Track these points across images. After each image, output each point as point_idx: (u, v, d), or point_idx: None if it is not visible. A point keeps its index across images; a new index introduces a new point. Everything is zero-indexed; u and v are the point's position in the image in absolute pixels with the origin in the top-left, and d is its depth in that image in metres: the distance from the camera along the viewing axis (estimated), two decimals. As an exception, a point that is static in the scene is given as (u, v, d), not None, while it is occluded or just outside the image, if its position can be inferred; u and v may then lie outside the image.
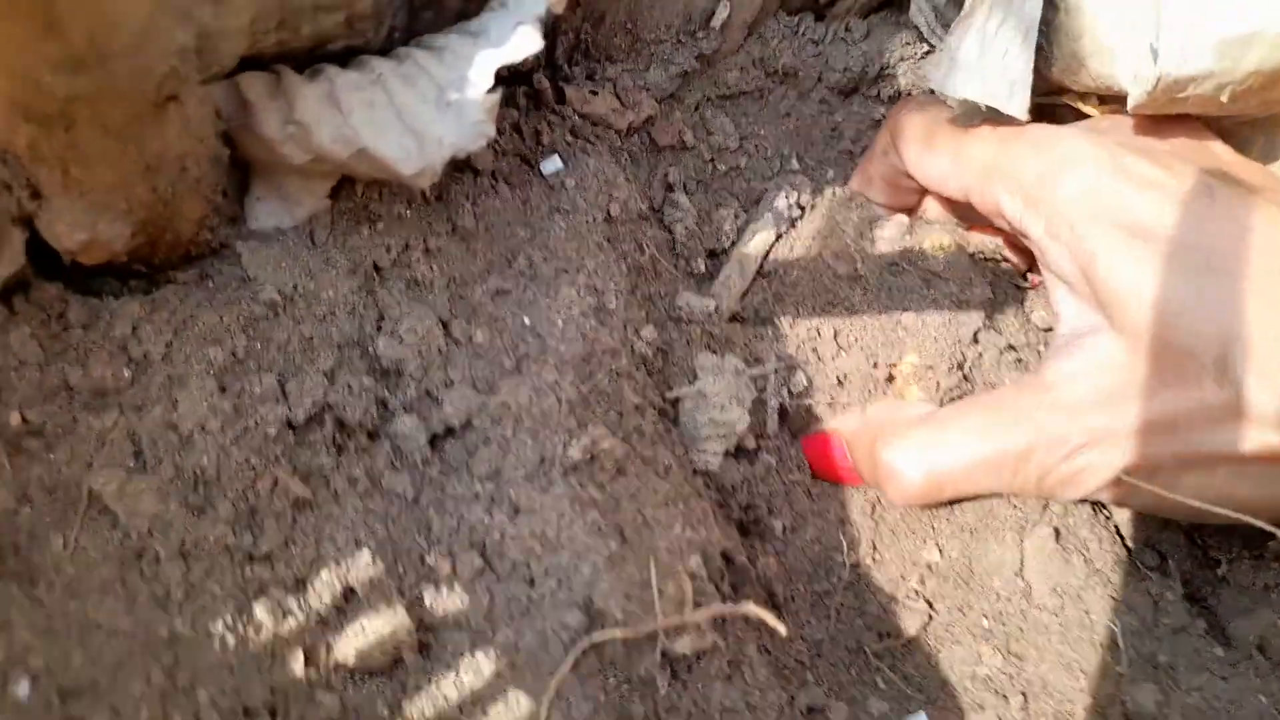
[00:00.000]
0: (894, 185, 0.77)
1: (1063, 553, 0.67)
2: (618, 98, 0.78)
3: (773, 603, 0.68)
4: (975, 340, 0.72)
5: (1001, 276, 0.74)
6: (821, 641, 0.68)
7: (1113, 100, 0.67)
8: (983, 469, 0.63)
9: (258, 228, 0.60)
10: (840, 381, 0.73)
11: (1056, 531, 0.67)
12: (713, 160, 0.84)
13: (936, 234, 0.74)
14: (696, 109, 0.84)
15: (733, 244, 0.80)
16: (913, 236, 0.75)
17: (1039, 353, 0.72)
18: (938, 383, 0.70)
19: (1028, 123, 0.65)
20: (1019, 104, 0.64)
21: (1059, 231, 0.60)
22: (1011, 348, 0.72)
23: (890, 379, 0.73)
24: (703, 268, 0.79)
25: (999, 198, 0.65)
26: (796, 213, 0.80)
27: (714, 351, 0.72)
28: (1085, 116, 0.69)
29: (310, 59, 0.60)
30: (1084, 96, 0.69)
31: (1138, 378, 0.57)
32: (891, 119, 0.76)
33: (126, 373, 0.53)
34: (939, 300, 0.72)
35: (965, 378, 0.71)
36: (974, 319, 0.71)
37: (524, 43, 0.58)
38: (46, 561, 0.49)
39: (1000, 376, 0.71)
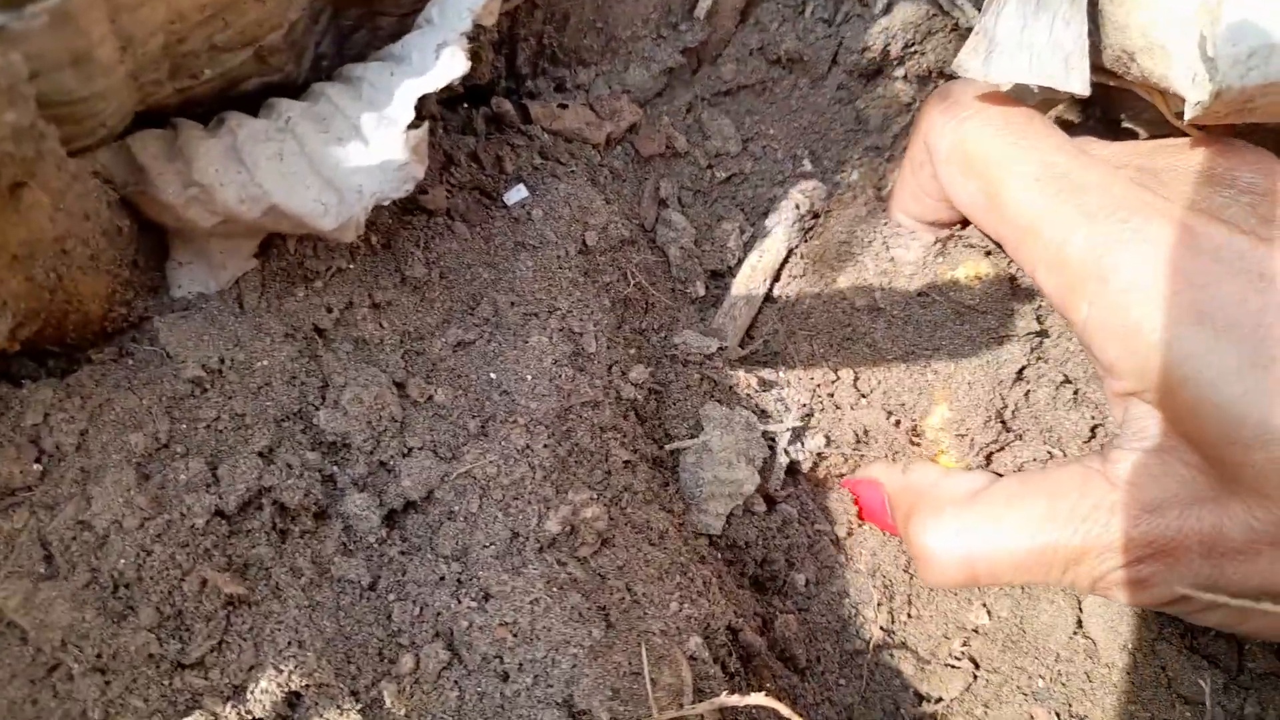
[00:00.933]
0: (936, 200, 0.70)
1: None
2: (591, 108, 0.76)
3: (794, 668, 0.66)
4: (1020, 378, 0.67)
5: None
6: (853, 705, 0.66)
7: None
8: (1028, 564, 0.58)
9: (181, 295, 0.60)
10: (859, 438, 0.69)
11: None
12: (711, 167, 0.81)
13: (973, 259, 0.69)
14: (689, 111, 0.81)
15: (739, 262, 0.76)
16: (944, 260, 0.70)
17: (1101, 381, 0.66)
18: (972, 439, 0.67)
19: (1084, 130, 0.60)
20: (1079, 79, 0.60)
21: (1107, 320, 0.54)
22: (1068, 380, 0.67)
23: (915, 440, 0.68)
24: (703, 291, 0.77)
25: (1035, 269, 0.59)
26: (810, 223, 0.76)
27: (719, 400, 0.69)
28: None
29: (223, 103, 0.59)
30: (1167, 96, 0.62)
31: (1216, 492, 0.52)
32: (923, 119, 0.69)
33: (37, 467, 0.53)
34: (974, 337, 0.68)
35: (1006, 427, 0.67)
36: (1017, 355, 0.67)
37: (448, 66, 0.57)
38: (-52, 685, 0.48)
39: (1057, 418, 0.66)
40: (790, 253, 0.76)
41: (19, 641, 0.51)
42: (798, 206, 0.77)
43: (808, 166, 0.81)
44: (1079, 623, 0.65)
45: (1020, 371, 0.67)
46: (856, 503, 0.71)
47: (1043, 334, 0.68)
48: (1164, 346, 0.51)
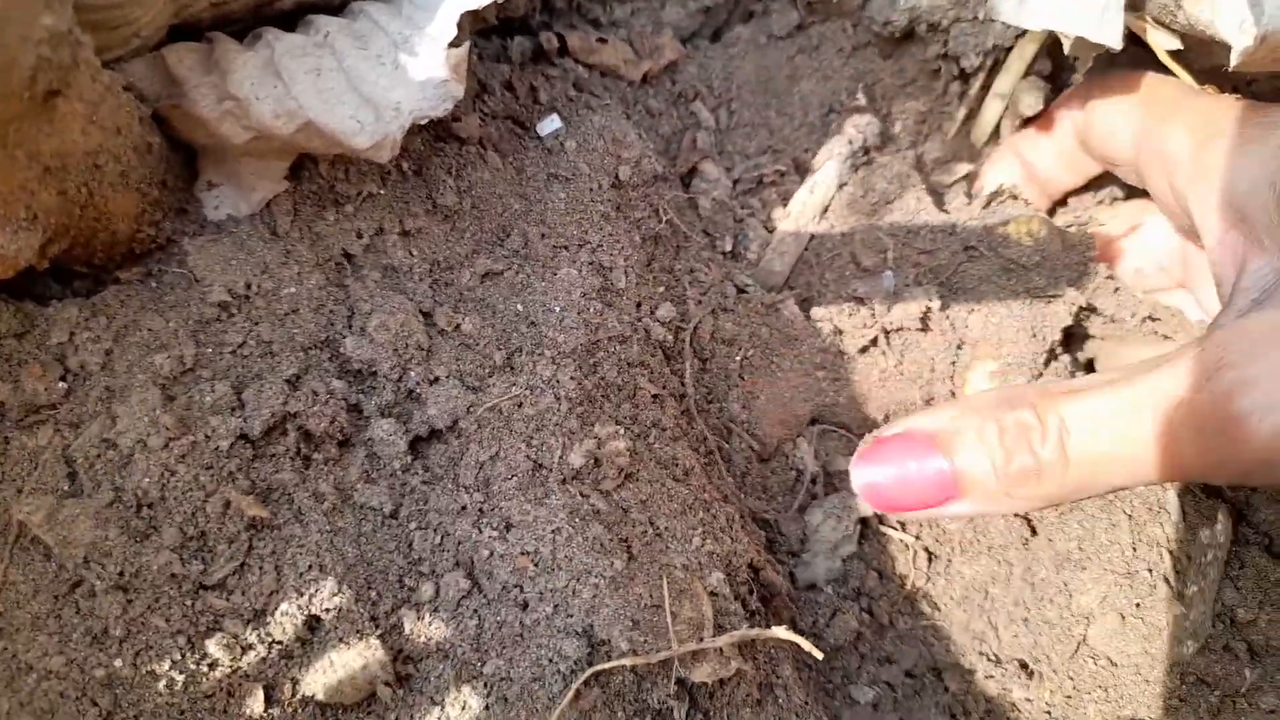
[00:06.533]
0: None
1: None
2: (630, 44, 0.71)
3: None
4: (1069, 338, 0.63)
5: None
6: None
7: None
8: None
9: (211, 217, 0.56)
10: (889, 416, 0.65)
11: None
12: (753, 109, 0.75)
13: (1024, 215, 0.65)
14: (731, 49, 0.76)
15: (777, 207, 0.72)
16: (995, 214, 0.65)
17: None
18: None
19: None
20: (1112, 31, 0.56)
21: None
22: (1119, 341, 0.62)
23: (955, 394, 0.64)
24: (730, 245, 0.71)
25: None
26: (863, 159, 0.72)
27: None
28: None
29: (258, 21, 0.55)
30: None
31: None
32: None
33: (62, 385, 0.51)
34: (1021, 294, 0.64)
35: None
36: (1063, 315, 0.63)
37: (492, -16, 0.52)
38: (-29, 597, 0.47)
39: None
40: (841, 187, 0.72)
41: (42, 557, 0.49)
42: (850, 142, 0.72)
43: (861, 101, 0.74)
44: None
45: (1067, 332, 0.63)
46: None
47: (1091, 309, 0.64)
48: None
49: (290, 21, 0.58)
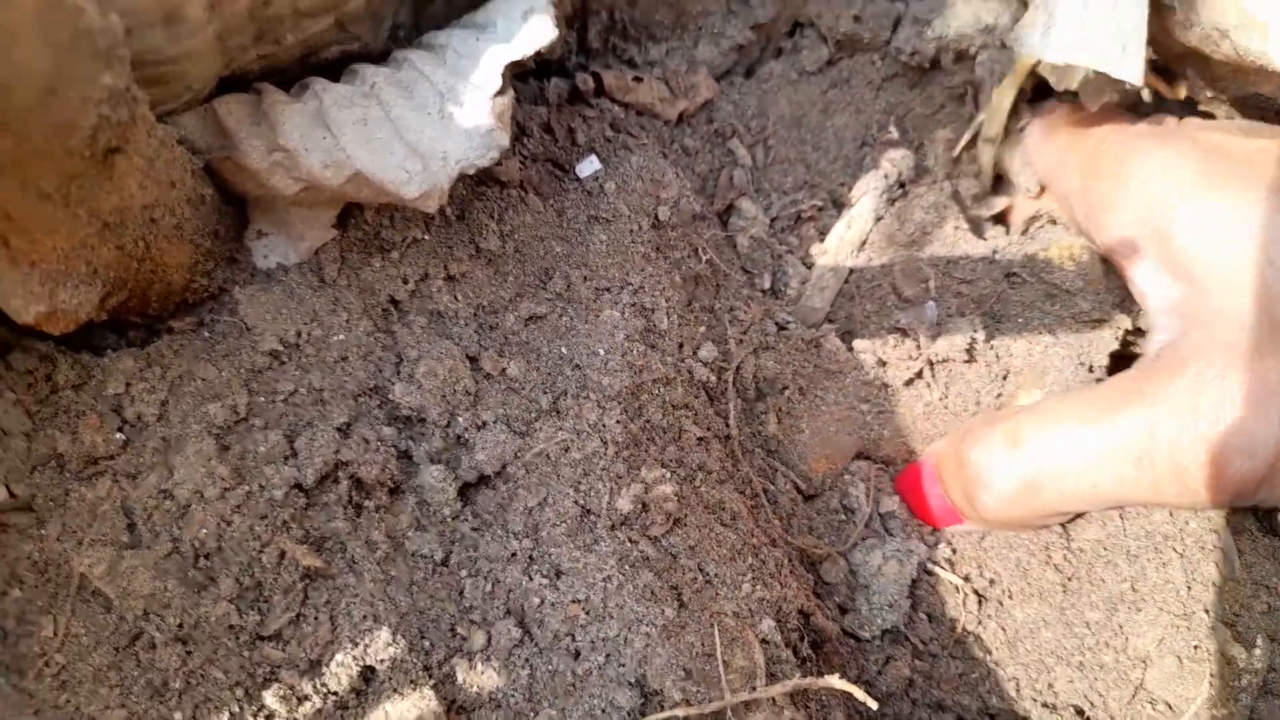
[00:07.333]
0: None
1: None
2: (666, 84, 0.72)
3: (866, 655, 0.62)
4: (1115, 365, 0.63)
5: None
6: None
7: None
8: (1094, 457, 0.52)
9: (261, 266, 0.57)
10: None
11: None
12: (788, 146, 0.76)
13: (1065, 239, 0.65)
14: (765, 85, 0.76)
15: (815, 243, 0.73)
16: (1035, 240, 0.66)
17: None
18: None
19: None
20: (1132, 67, 0.56)
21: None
22: None
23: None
24: (769, 283, 0.72)
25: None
26: (898, 193, 0.72)
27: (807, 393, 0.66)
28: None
29: (303, 71, 0.56)
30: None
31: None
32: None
33: (119, 436, 0.52)
34: (1066, 320, 0.64)
35: None
36: (1109, 340, 0.63)
37: (536, 34, 0.53)
38: (35, 649, 0.48)
39: None
40: (879, 219, 0.72)
41: (103, 609, 0.50)
42: (886, 176, 0.72)
43: (894, 134, 0.75)
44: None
45: (1114, 356, 0.63)
46: (906, 500, 0.67)
47: (1139, 331, 0.64)
48: None
49: (335, 70, 0.59)
